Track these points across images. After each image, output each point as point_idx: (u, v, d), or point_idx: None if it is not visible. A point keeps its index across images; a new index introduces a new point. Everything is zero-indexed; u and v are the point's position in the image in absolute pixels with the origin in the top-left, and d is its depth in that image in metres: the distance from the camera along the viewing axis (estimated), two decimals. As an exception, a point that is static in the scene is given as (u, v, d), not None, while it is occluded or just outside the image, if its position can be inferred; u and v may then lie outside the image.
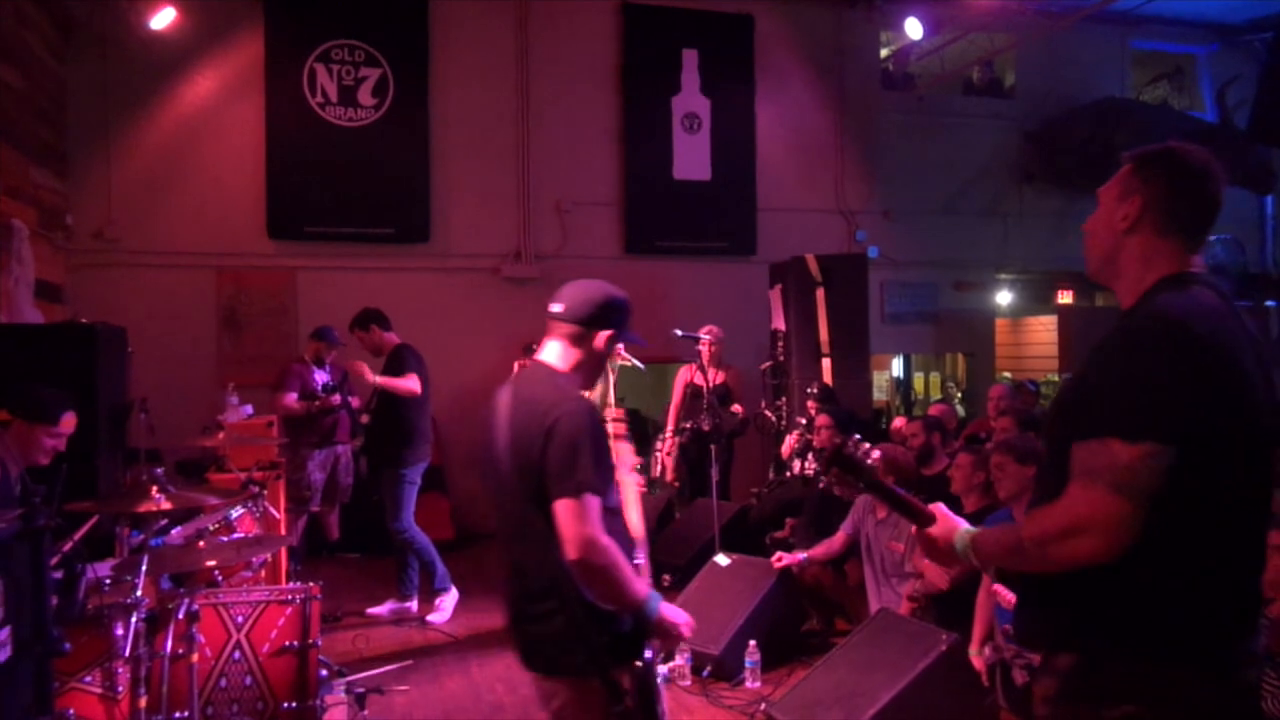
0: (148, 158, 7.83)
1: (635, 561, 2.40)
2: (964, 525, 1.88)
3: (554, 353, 2.41)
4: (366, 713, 3.98)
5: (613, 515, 2.31)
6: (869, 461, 1.94)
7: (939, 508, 1.94)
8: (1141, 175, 1.76)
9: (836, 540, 4.96)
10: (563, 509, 2.16)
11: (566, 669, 2.27)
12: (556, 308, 2.41)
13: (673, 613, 2.34)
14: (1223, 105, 10.05)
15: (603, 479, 2.24)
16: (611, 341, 2.42)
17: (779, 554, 4.91)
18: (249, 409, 5.79)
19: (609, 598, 2.22)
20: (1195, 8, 10.39)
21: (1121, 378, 1.61)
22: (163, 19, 7.24)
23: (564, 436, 2.19)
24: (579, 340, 2.38)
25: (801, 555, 4.93)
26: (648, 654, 2.29)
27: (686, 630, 2.37)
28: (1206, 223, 1.77)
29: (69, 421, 3.53)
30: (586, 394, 2.49)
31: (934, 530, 1.90)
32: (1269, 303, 10.60)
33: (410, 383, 5.60)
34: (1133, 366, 1.60)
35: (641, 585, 2.28)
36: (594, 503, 2.17)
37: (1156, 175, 1.75)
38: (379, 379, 5.62)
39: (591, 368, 2.44)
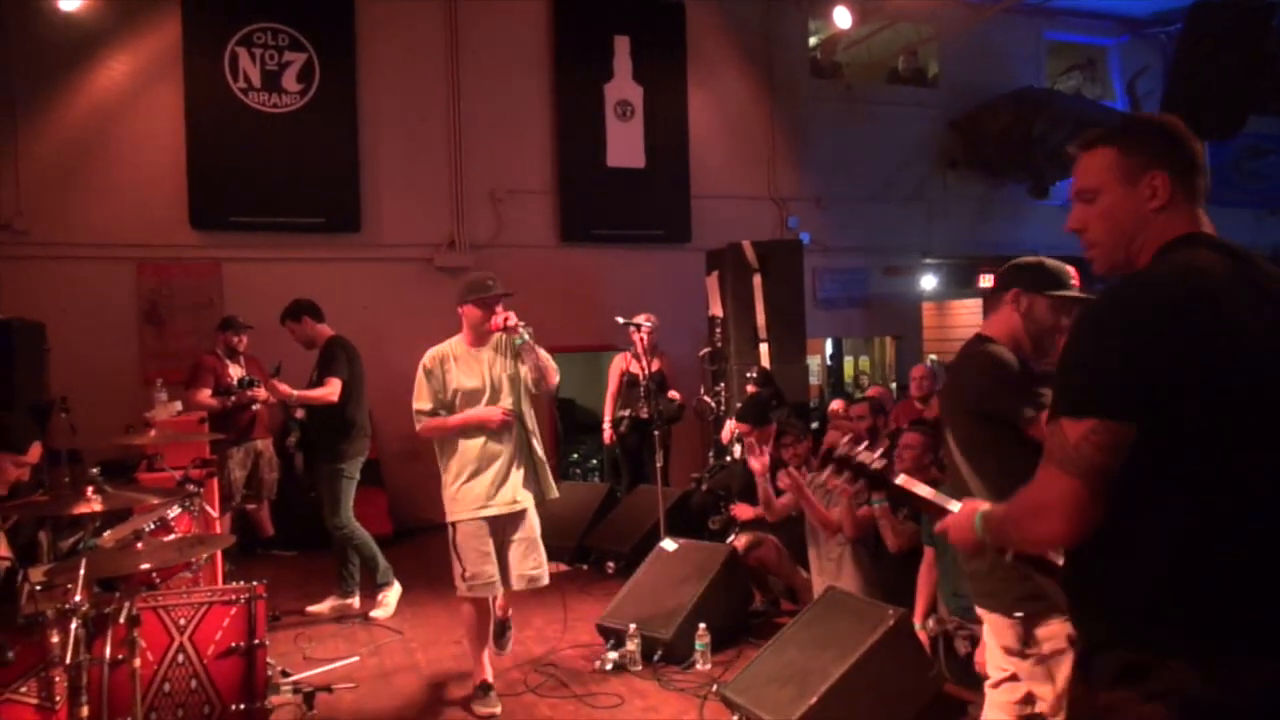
0: (59, 145, 7.45)
1: None
2: (984, 505, 1.81)
3: None
4: (315, 712, 3.91)
5: None
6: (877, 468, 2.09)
7: (968, 501, 1.91)
8: (1149, 152, 1.67)
9: (783, 499, 5.07)
10: None
11: None
12: None
13: None
14: (1133, 95, 10.48)
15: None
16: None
17: (736, 532, 5.03)
18: (179, 405, 5.60)
19: None
20: (1104, 1, 10.79)
21: (1072, 355, 1.58)
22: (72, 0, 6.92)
23: None
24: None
25: (751, 512, 5.06)
26: None
27: None
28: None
29: (36, 450, 3.42)
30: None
31: (955, 516, 1.89)
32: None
33: (328, 391, 5.45)
34: (1082, 343, 1.57)
35: None
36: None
37: (1171, 147, 1.67)
38: (296, 393, 5.50)
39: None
